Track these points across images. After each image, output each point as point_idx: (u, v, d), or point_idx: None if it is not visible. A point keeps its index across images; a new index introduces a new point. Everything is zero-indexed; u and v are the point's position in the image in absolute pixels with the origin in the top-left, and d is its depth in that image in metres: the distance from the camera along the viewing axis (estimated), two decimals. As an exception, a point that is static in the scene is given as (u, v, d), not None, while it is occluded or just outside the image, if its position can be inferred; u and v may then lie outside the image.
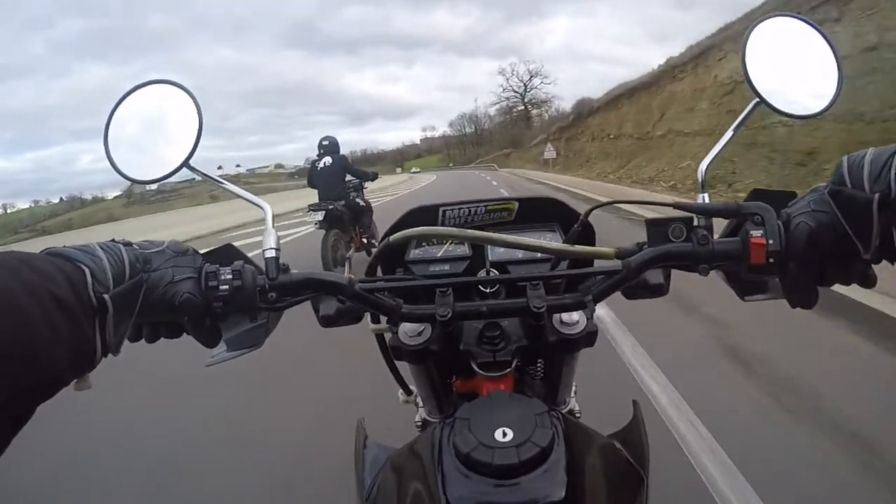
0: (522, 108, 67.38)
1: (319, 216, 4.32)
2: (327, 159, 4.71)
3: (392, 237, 0.54)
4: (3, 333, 0.30)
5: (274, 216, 0.53)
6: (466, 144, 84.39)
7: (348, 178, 4.81)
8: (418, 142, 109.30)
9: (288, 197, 21.31)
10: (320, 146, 4.80)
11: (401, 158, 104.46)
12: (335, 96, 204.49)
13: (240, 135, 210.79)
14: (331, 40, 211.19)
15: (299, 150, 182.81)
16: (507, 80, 67.65)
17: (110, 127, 0.55)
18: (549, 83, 67.69)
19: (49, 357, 0.32)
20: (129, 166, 0.54)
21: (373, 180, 5.14)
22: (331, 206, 4.37)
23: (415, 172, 63.20)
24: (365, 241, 4.90)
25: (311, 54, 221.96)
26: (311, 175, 4.79)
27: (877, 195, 0.38)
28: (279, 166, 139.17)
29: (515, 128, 61.70)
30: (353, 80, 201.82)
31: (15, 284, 0.31)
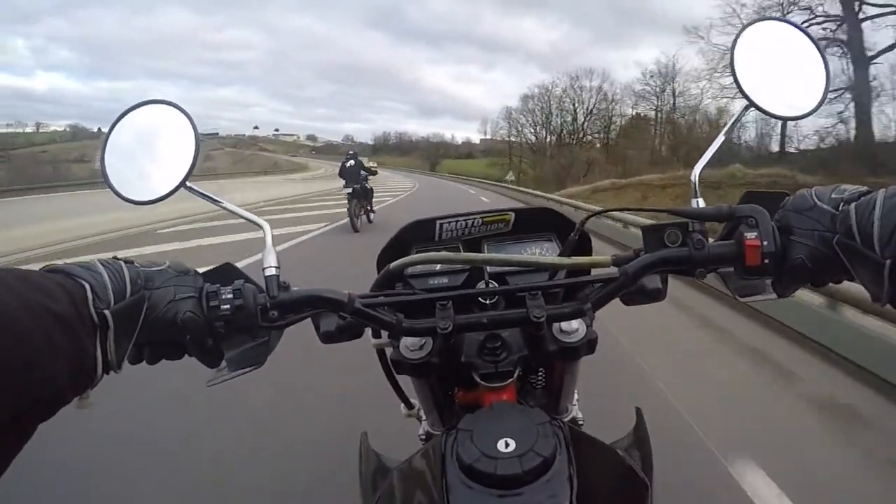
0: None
1: (349, 191, 8.23)
2: (351, 162, 8.59)
3: (392, 266, 0.55)
4: (1, 350, 0.30)
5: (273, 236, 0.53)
6: (545, 149, 41.20)
7: (362, 173, 8.69)
8: (477, 141, 71.34)
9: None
10: (347, 155, 8.89)
11: (436, 155, 69.09)
12: (408, 86, 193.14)
13: (308, 105, 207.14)
14: (414, 29, 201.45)
15: (362, 129, 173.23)
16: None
17: (107, 147, 0.55)
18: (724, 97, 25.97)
19: (48, 373, 0.33)
20: (126, 187, 0.55)
21: (374, 175, 9.20)
22: (355, 187, 8.25)
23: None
24: (369, 208, 8.99)
25: (393, 39, 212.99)
26: (342, 170, 8.60)
27: (888, 261, 0.39)
28: (311, 137, 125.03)
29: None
30: (429, 72, 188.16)
31: (11, 301, 0.32)
